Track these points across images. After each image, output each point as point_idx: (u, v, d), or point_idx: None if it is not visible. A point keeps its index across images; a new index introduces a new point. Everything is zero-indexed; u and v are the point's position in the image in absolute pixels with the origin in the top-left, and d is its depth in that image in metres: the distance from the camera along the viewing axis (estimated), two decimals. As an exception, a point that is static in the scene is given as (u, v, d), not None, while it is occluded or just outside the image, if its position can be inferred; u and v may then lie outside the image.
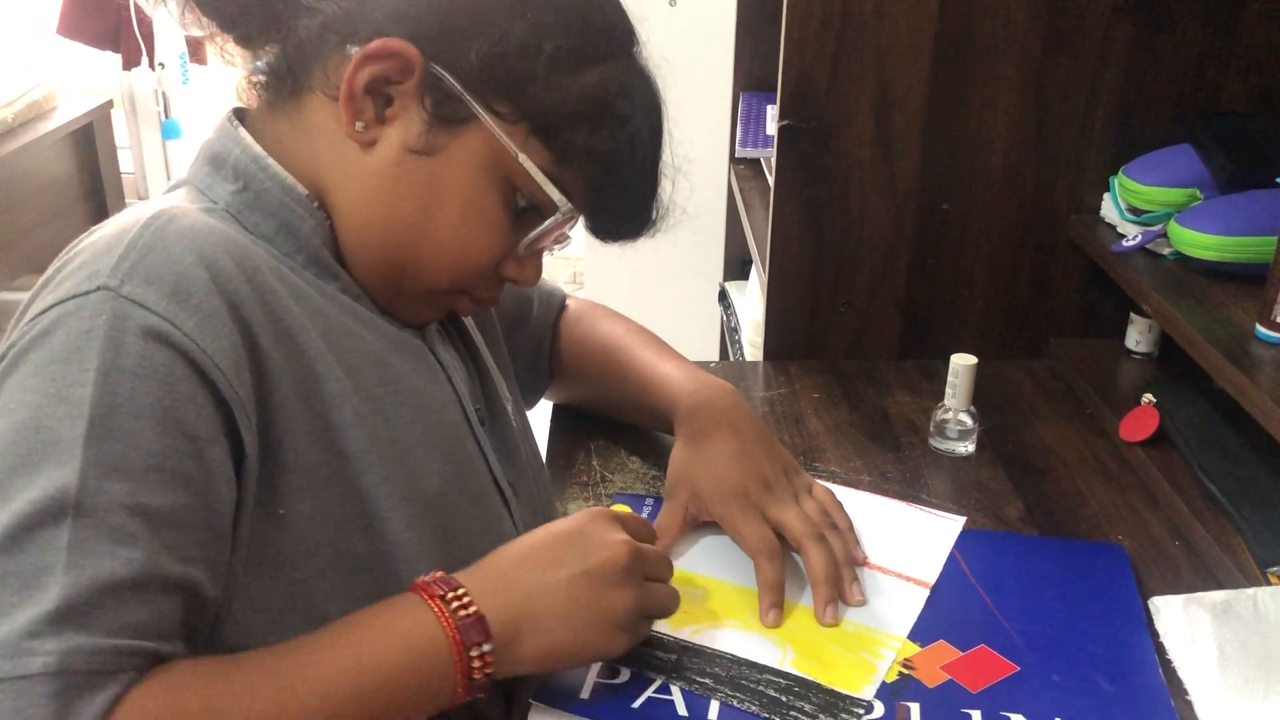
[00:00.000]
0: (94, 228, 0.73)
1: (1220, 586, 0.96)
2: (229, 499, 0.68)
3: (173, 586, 0.63)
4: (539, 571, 0.76)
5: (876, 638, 0.88)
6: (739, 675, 0.84)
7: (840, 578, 0.93)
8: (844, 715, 0.80)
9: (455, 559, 0.79)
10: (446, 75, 0.77)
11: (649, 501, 1.06)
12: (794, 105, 1.30)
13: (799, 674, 0.84)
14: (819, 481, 1.01)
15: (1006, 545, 1.02)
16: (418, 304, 0.86)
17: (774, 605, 0.90)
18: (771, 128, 1.35)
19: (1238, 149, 1.19)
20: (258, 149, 0.79)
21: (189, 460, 0.65)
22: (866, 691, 0.83)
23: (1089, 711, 0.82)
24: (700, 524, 0.99)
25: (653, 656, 0.84)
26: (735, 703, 0.81)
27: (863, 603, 0.93)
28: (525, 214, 0.83)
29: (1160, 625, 0.89)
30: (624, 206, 0.86)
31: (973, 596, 0.94)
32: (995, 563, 0.99)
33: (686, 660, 0.85)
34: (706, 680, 0.83)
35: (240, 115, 0.83)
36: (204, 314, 0.67)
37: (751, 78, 1.96)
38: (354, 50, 0.76)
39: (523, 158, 0.79)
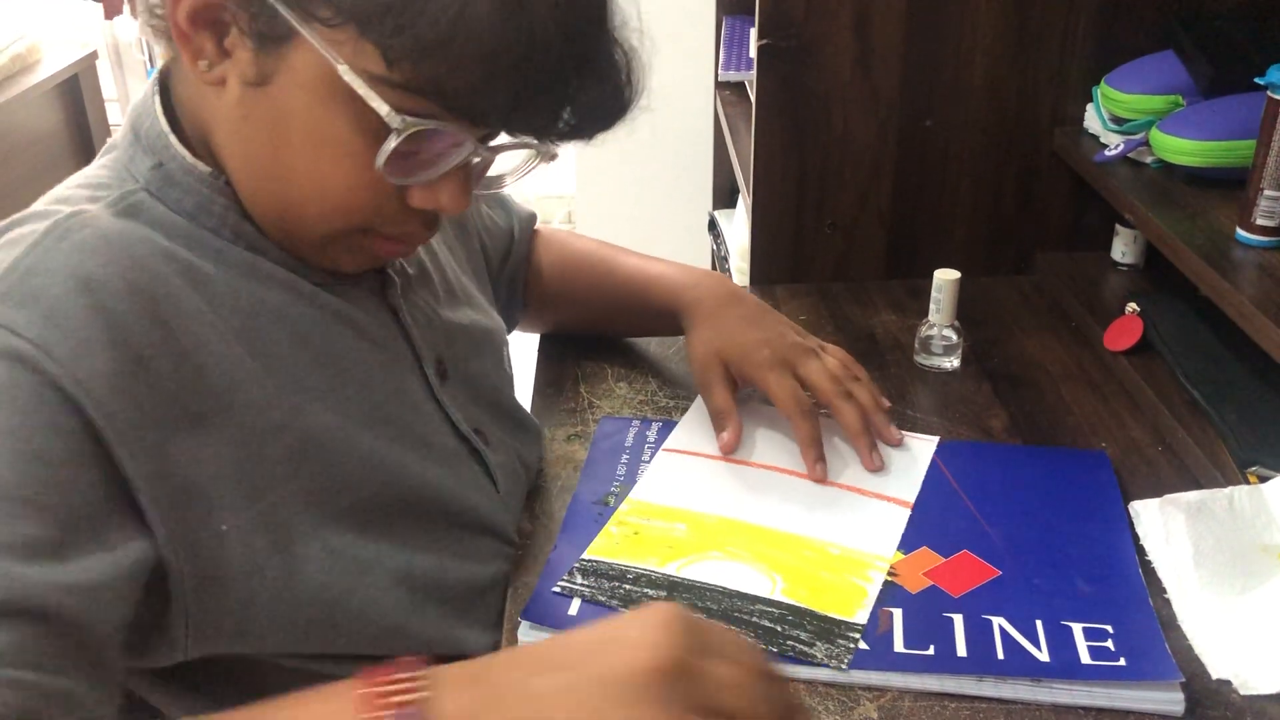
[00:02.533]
0: (4, 224, 0.70)
1: (1201, 489, 0.97)
2: (102, 528, 0.62)
3: (33, 616, 0.56)
4: (529, 671, 0.55)
5: (864, 560, 0.89)
6: (731, 608, 0.83)
7: (874, 424, 0.99)
8: (839, 641, 0.79)
9: (422, 527, 0.79)
10: None
11: (635, 423, 1.07)
12: (773, 23, 1.29)
13: (791, 602, 0.83)
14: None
15: (991, 455, 1.03)
16: (331, 252, 0.77)
17: (818, 459, 0.97)
18: (754, 48, 1.33)
19: (1218, 53, 1.18)
20: (162, 124, 0.73)
21: (50, 490, 0.60)
22: (860, 616, 0.82)
23: (1068, 613, 0.83)
24: (674, 457, 1.00)
25: (642, 595, 0.84)
26: None
27: (899, 441, 1.01)
28: (393, 130, 0.68)
29: (1140, 528, 0.90)
30: (512, 98, 0.67)
31: (956, 504, 0.95)
32: (979, 471, 0.99)
33: (677, 596, 0.84)
34: (699, 615, 0.82)
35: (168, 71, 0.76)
36: (79, 339, 0.63)
37: (737, 1, 1.94)
38: None
39: (343, 67, 0.65)
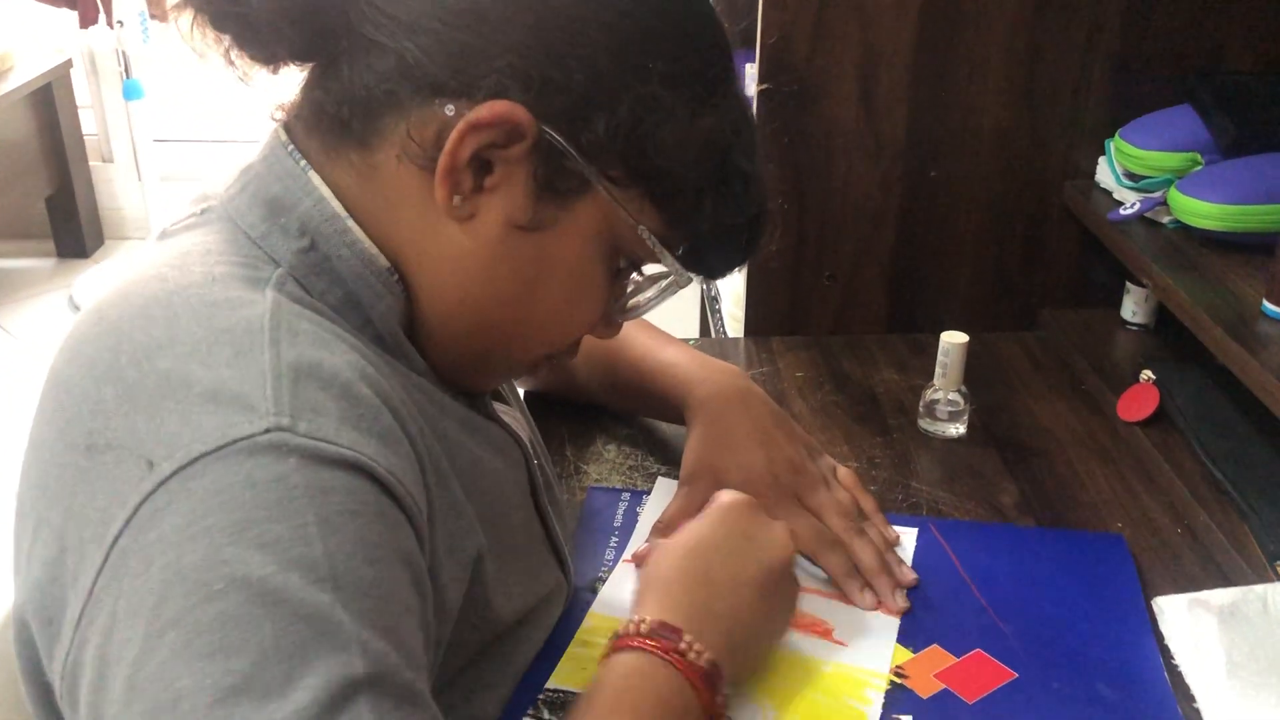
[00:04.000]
0: (111, 312, 0.61)
1: (1226, 579, 0.92)
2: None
3: None
4: (728, 593, 0.74)
5: (858, 678, 0.81)
6: None
7: (889, 564, 0.91)
8: None
9: (505, 658, 0.77)
10: (563, 143, 0.65)
11: (625, 496, 1.01)
12: (774, 67, 1.23)
13: None
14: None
15: (1001, 539, 0.97)
16: (496, 376, 0.78)
17: (864, 587, 0.89)
18: (752, 89, 1.28)
19: (1241, 111, 1.13)
20: (336, 207, 0.66)
21: (413, 592, 0.58)
22: None
23: (1092, 722, 0.77)
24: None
25: None
26: None
27: (916, 581, 0.90)
28: (621, 273, 0.74)
29: (1164, 628, 0.85)
30: (739, 254, 0.77)
31: (967, 596, 0.90)
32: (990, 559, 0.94)
33: None
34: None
35: (288, 136, 0.69)
36: (379, 436, 0.59)
37: (732, 34, 1.88)
38: (448, 109, 0.63)
39: (642, 229, 0.69)
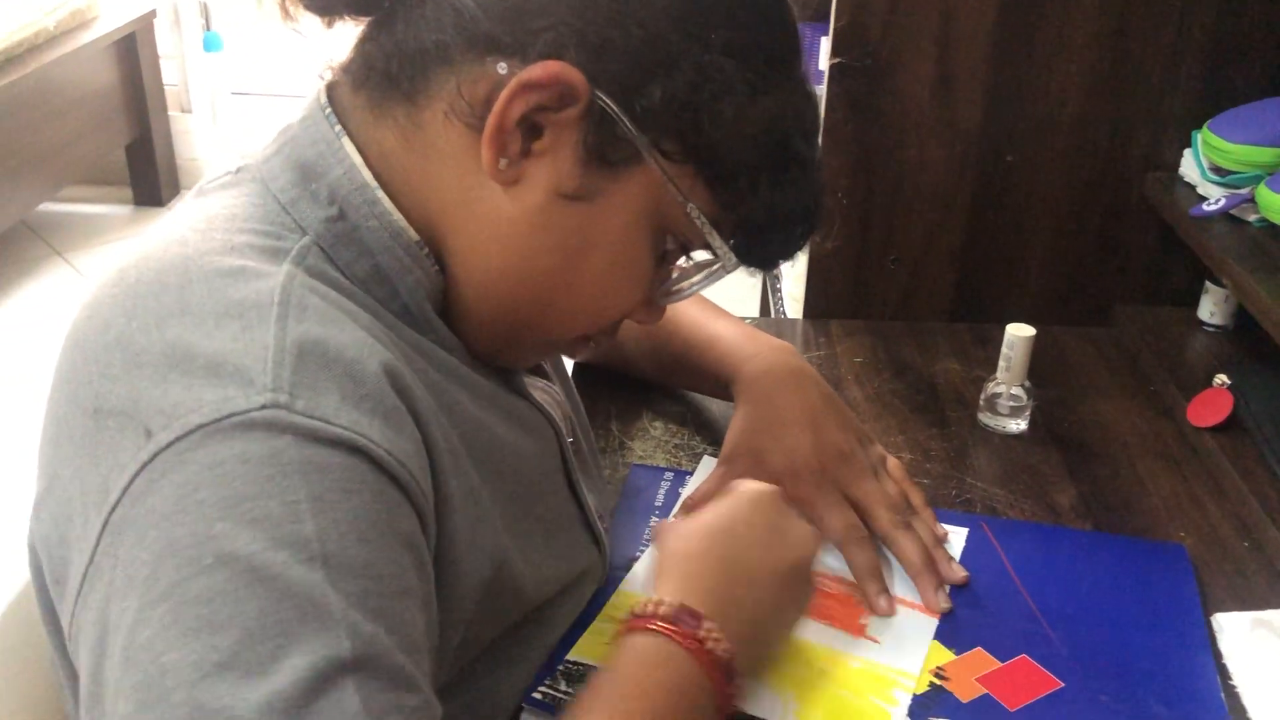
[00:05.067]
0: (131, 273, 0.60)
1: (1293, 599, 0.87)
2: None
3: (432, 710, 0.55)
4: (751, 582, 0.71)
5: (887, 676, 0.78)
6: None
7: (934, 561, 0.87)
8: None
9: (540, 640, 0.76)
10: (616, 109, 0.63)
11: (668, 475, 0.99)
12: (848, 41, 1.20)
13: None
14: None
15: (1056, 542, 0.93)
16: (531, 353, 0.76)
17: (881, 591, 0.85)
18: (824, 63, 1.24)
19: (1341, 106, 1.08)
20: (366, 176, 0.65)
21: (414, 574, 0.56)
22: None
23: (1140, 740, 0.74)
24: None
25: None
26: None
27: (965, 579, 0.87)
28: (668, 255, 0.72)
29: (1224, 645, 0.81)
30: (792, 244, 0.74)
31: (1016, 599, 0.86)
32: (1042, 561, 0.90)
33: None
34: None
35: (330, 97, 0.67)
36: (383, 416, 0.57)
37: (807, 6, 1.84)
38: (500, 67, 0.61)
39: (692, 207, 0.66)
